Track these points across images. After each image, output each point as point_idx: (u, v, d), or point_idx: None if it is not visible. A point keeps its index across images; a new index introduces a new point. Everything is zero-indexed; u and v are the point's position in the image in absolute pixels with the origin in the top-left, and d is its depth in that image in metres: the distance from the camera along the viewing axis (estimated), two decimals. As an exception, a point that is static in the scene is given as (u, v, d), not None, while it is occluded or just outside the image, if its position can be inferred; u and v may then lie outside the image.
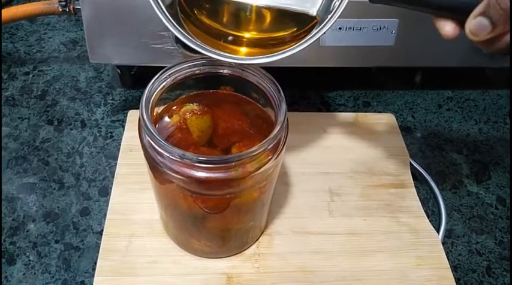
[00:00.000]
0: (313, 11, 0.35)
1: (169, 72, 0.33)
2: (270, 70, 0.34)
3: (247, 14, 0.35)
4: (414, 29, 0.47)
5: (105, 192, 0.44)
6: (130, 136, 0.47)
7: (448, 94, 0.56)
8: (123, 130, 0.48)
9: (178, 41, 0.44)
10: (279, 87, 0.33)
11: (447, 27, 0.31)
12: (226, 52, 0.32)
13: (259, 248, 0.40)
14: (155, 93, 0.32)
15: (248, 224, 0.37)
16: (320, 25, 0.32)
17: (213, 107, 0.36)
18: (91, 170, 0.45)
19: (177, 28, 0.31)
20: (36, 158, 0.46)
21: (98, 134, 0.49)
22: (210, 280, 0.38)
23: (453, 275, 0.39)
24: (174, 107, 0.35)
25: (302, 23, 0.35)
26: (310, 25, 0.35)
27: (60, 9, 0.46)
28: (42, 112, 0.50)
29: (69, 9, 0.46)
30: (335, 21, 0.31)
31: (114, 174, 0.44)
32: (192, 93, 0.36)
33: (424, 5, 0.32)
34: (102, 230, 0.40)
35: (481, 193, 0.46)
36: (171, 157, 0.29)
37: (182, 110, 0.35)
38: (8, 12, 0.48)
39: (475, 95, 0.56)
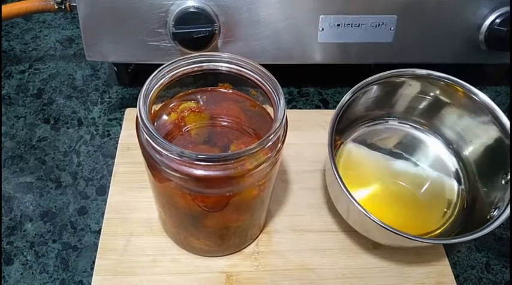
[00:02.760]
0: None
1: (167, 69, 0.33)
2: (269, 67, 0.34)
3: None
4: (413, 26, 0.46)
5: (103, 191, 0.43)
6: (127, 134, 0.46)
7: (447, 90, 0.56)
8: (120, 128, 0.47)
9: (175, 37, 0.43)
10: (278, 84, 0.32)
11: None
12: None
13: (259, 246, 0.40)
14: (153, 90, 0.32)
15: (247, 222, 0.37)
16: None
17: (211, 104, 0.36)
18: (88, 169, 0.45)
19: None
20: (33, 158, 0.46)
21: (95, 132, 0.48)
22: (209, 279, 0.37)
23: (452, 271, 0.39)
24: (172, 105, 0.35)
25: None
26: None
27: (56, 7, 0.46)
28: (39, 110, 0.50)
29: (65, 6, 0.45)
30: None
31: (111, 173, 0.44)
32: (190, 91, 0.36)
33: None
34: (100, 229, 0.40)
35: (480, 190, 0.46)
36: (169, 155, 0.28)
37: (180, 108, 0.35)
38: (3, 9, 0.47)
39: (473, 92, 0.56)
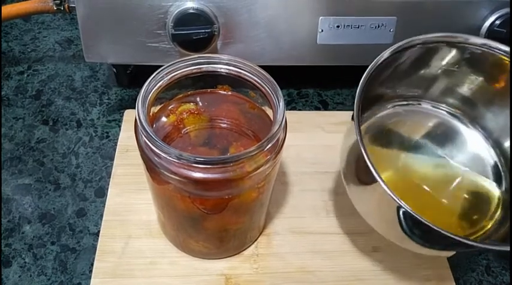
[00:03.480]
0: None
1: (166, 71, 0.33)
2: (268, 68, 0.33)
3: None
4: (412, 27, 0.46)
5: (102, 193, 0.43)
6: (126, 136, 0.46)
7: (446, 92, 0.56)
8: (119, 130, 0.47)
9: (174, 39, 0.43)
10: (277, 86, 0.32)
11: None
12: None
13: (258, 248, 0.39)
14: (152, 92, 0.32)
15: (246, 224, 0.37)
16: None
17: (210, 106, 0.36)
18: (87, 170, 0.45)
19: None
20: (32, 159, 0.46)
21: (93, 134, 0.48)
22: (208, 281, 0.37)
23: (452, 274, 0.39)
24: (171, 106, 0.35)
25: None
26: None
27: (55, 8, 0.45)
28: (37, 112, 0.50)
29: (64, 7, 0.45)
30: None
31: (110, 175, 0.43)
32: (189, 92, 0.36)
33: None
34: (99, 232, 0.39)
35: (480, 192, 0.46)
36: (168, 157, 0.28)
37: (179, 109, 0.35)
38: (2, 10, 0.47)
39: (473, 93, 0.56)
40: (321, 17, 0.45)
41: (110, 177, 0.43)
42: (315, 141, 0.48)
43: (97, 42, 0.44)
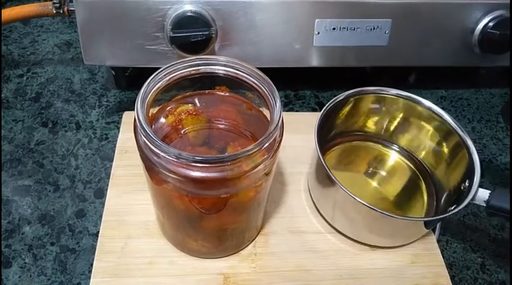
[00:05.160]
0: None
1: (165, 73, 0.33)
2: (265, 70, 0.34)
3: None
4: (407, 29, 0.47)
5: (101, 194, 0.44)
6: (125, 137, 0.46)
7: (442, 93, 0.56)
8: (118, 131, 0.48)
9: (173, 41, 0.44)
10: (274, 86, 0.33)
11: None
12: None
13: (256, 247, 0.40)
14: (150, 93, 0.32)
15: (244, 224, 0.37)
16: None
17: (208, 107, 0.36)
18: (86, 172, 0.45)
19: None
20: (31, 161, 0.46)
21: (92, 136, 0.48)
22: (206, 280, 0.38)
23: (448, 272, 0.40)
24: (170, 107, 0.35)
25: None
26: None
27: (54, 11, 0.46)
28: (37, 114, 0.50)
29: (63, 11, 0.46)
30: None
31: (109, 176, 0.44)
32: (187, 93, 0.36)
33: None
34: (98, 232, 0.40)
35: (475, 191, 0.46)
36: (167, 157, 0.29)
37: (177, 110, 0.35)
38: (2, 13, 0.47)
39: (468, 94, 0.56)
40: (317, 20, 0.45)
41: (109, 178, 0.44)
42: (311, 141, 0.48)
43: (96, 45, 0.45)
